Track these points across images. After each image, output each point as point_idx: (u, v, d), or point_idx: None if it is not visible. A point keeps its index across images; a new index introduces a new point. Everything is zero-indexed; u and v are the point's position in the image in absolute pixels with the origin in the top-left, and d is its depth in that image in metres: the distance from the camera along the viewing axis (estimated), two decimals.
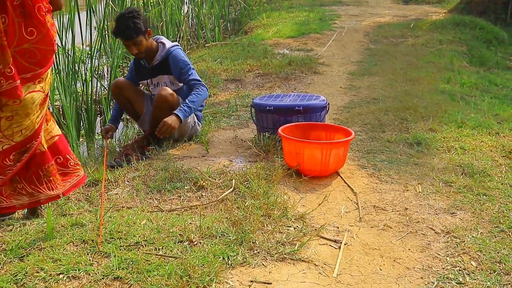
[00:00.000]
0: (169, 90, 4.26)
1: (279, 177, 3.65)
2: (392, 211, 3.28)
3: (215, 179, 3.72)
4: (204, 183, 3.65)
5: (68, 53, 5.90)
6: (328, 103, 4.47)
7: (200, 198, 3.51)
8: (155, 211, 3.28)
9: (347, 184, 3.69)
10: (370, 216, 3.25)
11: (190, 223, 3.08)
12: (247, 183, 3.57)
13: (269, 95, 4.66)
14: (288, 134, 3.95)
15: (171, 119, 4.10)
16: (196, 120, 4.55)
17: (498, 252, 2.79)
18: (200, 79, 4.42)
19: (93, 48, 6.45)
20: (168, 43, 4.48)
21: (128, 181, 3.82)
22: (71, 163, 3.28)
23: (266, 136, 4.27)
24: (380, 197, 3.47)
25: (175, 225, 3.02)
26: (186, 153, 4.33)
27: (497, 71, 7.43)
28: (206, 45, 8.68)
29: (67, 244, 2.83)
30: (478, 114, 5.00)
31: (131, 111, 4.61)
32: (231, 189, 3.53)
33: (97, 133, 6.04)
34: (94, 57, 6.44)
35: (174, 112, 4.16)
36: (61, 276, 2.57)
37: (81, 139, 5.82)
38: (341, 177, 3.81)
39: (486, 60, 7.88)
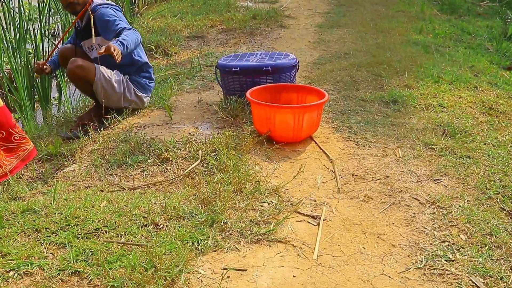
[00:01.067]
0: (77, 62, 3.84)
1: (249, 145, 3.38)
2: (372, 179, 3.06)
3: (180, 150, 3.43)
4: (168, 155, 3.36)
5: (14, 10, 5.41)
6: (298, 62, 4.18)
7: (164, 172, 3.22)
8: (115, 191, 2.99)
9: (322, 150, 3.45)
10: (349, 186, 3.02)
11: (155, 203, 2.80)
12: (215, 154, 3.29)
13: (235, 54, 4.33)
14: (256, 98, 3.66)
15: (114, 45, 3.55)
16: (139, 93, 4.18)
17: (487, 223, 2.60)
18: (131, 27, 3.92)
19: (43, 4, 5.94)
20: (98, 1, 4.04)
21: (86, 155, 3.50)
22: (15, 137, 2.95)
23: (233, 99, 3.98)
24: (359, 164, 3.24)
25: (138, 206, 2.75)
26: (148, 120, 4.01)
27: (468, 18, 7.22)
28: None
29: (18, 235, 2.53)
30: (454, 67, 4.78)
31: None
32: (198, 161, 3.25)
33: (53, 97, 5.65)
34: (45, 15, 5.94)
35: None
36: (11, 273, 2.29)
37: (36, 106, 5.43)
38: (316, 143, 3.56)
39: (457, 7, 7.65)
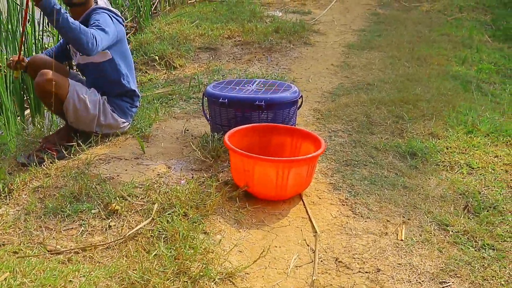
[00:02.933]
0: (47, 75, 3.24)
1: (216, 204, 2.72)
2: (359, 271, 2.36)
3: (136, 199, 2.80)
4: (118, 206, 2.73)
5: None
6: (301, 97, 3.49)
7: (106, 230, 2.61)
8: (29, 256, 2.37)
9: (309, 217, 2.76)
10: (327, 278, 2.33)
11: (71, 281, 2.18)
12: (171, 212, 2.65)
13: (229, 80, 3.67)
14: (240, 140, 3.02)
15: None
16: (117, 117, 3.56)
17: None
18: (104, 29, 3.27)
19: None
20: (103, 3, 3.46)
21: (26, 194, 2.92)
22: None
23: (216, 137, 3.33)
24: (348, 244, 2.54)
25: (45, 286, 2.12)
26: (117, 152, 3.41)
27: None
28: (190, 1, 7.59)
29: None
30: (495, 113, 3.98)
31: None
32: (148, 221, 2.61)
33: None
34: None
35: None
36: None
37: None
38: (304, 204, 2.87)
39: None
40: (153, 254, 2.32)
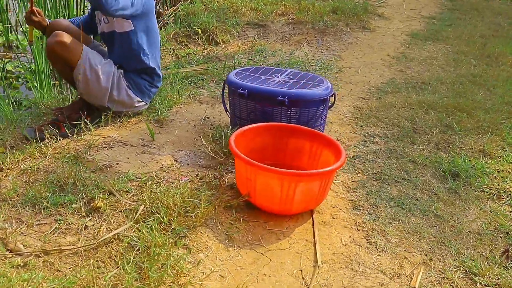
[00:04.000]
0: (60, 36, 2.99)
1: (207, 213, 2.38)
2: None
3: (125, 196, 2.51)
4: (101, 203, 2.44)
5: None
6: (334, 94, 3.06)
7: (81, 230, 2.32)
8: None
9: (314, 240, 2.37)
10: None
11: None
12: (155, 218, 2.33)
13: (256, 67, 3.28)
14: (252, 139, 2.66)
15: None
16: (132, 94, 3.27)
17: None
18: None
19: None
20: None
21: (12, 176, 2.68)
22: None
23: (232, 131, 2.97)
24: (350, 283, 2.15)
25: None
26: (125, 135, 3.12)
27: None
28: None
29: None
30: None
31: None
32: (128, 226, 2.31)
33: None
34: None
35: None
36: None
37: None
38: (313, 223, 2.48)
39: None
40: (110, 273, 2.01)
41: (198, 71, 4.08)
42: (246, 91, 2.94)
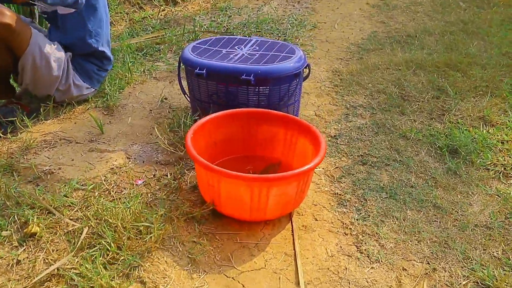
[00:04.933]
0: (4, 16, 2.46)
1: (168, 230, 1.97)
2: None
3: (68, 212, 2.10)
4: (37, 228, 2.02)
5: None
6: (308, 65, 2.61)
7: (12, 267, 1.91)
8: None
9: (294, 253, 1.98)
10: None
11: None
12: (98, 247, 1.92)
13: (217, 38, 2.80)
14: (215, 131, 2.24)
15: None
16: (79, 81, 2.81)
17: None
18: None
19: None
20: None
21: None
22: None
23: (191, 118, 2.53)
24: None
25: None
26: (70, 130, 2.68)
27: None
28: None
29: None
30: None
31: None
32: (66, 260, 1.89)
33: None
34: None
35: None
36: None
37: None
38: (292, 228, 2.09)
39: None
40: None
41: (154, 40, 3.59)
42: (204, 71, 2.48)
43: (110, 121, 2.75)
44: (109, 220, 1.97)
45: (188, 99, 2.70)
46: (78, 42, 2.77)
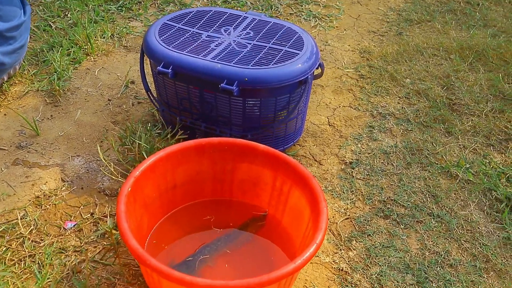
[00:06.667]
0: None
1: None
2: None
3: None
4: None
5: None
6: (320, 65, 1.83)
7: None
8: None
9: None
10: None
11: None
12: None
13: (200, 10, 2.01)
14: (170, 173, 1.57)
15: None
16: None
17: None
18: None
19: None
20: None
21: None
22: None
23: (143, 134, 1.82)
24: None
25: None
26: None
27: None
28: None
29: None
30: None
31: None
32: None
33: None
34: None
35: None
36: None
37: None
38: None
39: None
40: None
41: None
42: (170, 69, 1.72)
43: (52, 115, 2.06)
44: None
45: (154, 102, 1.96)
46: None
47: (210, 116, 1.81)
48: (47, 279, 1.47)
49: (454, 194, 1.80)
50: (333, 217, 1.73)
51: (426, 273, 1.56)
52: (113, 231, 1.54)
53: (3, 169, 1.83)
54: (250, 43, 1.80)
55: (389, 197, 1.79)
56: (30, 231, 1.63)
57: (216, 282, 1.21)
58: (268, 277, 1.23)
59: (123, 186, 1.40)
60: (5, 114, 2.05)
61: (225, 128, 1.82)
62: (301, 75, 1.71)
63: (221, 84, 1.66)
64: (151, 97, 1.94)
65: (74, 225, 1.67)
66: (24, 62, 2.24)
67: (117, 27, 2.50)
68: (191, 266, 1.50)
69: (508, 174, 1.83)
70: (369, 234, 1.68)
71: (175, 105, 1.86)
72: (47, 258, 1.54)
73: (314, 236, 1.33)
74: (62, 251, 1.57)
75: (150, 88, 1.96)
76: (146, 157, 1.74)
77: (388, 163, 1.90)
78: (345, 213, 1.74)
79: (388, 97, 2.15)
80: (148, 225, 1.55)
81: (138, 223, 1.46)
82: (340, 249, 1.64)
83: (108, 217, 1.69)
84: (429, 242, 1.65)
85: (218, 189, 1.66)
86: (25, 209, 1.70)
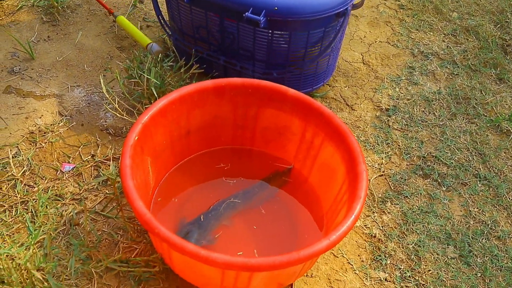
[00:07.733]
0: None
1: None
2: None
3: None
4: None
5: None
6: None
7: None
8: None
9: None
10: None
11: None
12: None
13: None
14: (183, 117, 1.36)
15: None
16: None
17: None
18: None
19: None
20: None
21: None
22: None
23: (159, 61, 1.58)
24: None
25: None
26: None
27: None
28: None
29: None
30: None
31: None
32: None
33: None
34: None
35: None
36: None
37: None
38: None
39: None
40: None
41: None
42: None
43: (49, 36, 1.80)
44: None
45: (166, 28, 1.70)
46: None
47: (230, 48, 1.56)
48: (42, 231, 1.28)
49: (505, 153, 1.58)
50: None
51: (470, 246, 1.37)
52: (117, 179, 1.34)
53: None
54: None
55: (430, 152, 1.57)
56: (22, 173, 1.43)
57: (237, 260, 1.02)
58: (298, 255, 1.04)
59: (128, 134, 1.18)
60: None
61: (247, 63, 1.57)
62: (340, 6, 1.45)
63: (246, 13, 1.40)
64: (162, 22, 1.68)
65: (73, 168, 1.47)
66: None
67: None
68: (203, 226, 1.30)
69: None
70: (406, 196, 1.47)
71: (190, 34, 1.60)
72: (41, 206, 1.35)
73: (352, 206, 1.12)
74: (59, 198, 1.38)
75: (162, 11, 1.70)
76: (155, 93, 1.51)
77: (429, 112, 1.67)
78: (379, 168, 1.53)
79: (431, 33, 1.89)
80: (157, 176, 1.35)
81: (145, 176, 1.25)
82: (373, 212, 1.44)
83: (111, 161, 1.48)
84: (474, 208, 1.45)
85: (238, 137, 1.45)
86: (17, 146, 1.49)
